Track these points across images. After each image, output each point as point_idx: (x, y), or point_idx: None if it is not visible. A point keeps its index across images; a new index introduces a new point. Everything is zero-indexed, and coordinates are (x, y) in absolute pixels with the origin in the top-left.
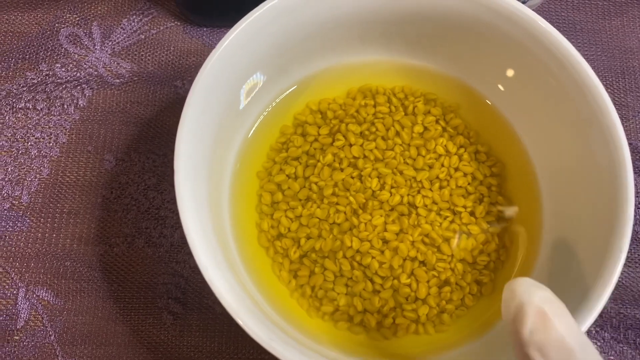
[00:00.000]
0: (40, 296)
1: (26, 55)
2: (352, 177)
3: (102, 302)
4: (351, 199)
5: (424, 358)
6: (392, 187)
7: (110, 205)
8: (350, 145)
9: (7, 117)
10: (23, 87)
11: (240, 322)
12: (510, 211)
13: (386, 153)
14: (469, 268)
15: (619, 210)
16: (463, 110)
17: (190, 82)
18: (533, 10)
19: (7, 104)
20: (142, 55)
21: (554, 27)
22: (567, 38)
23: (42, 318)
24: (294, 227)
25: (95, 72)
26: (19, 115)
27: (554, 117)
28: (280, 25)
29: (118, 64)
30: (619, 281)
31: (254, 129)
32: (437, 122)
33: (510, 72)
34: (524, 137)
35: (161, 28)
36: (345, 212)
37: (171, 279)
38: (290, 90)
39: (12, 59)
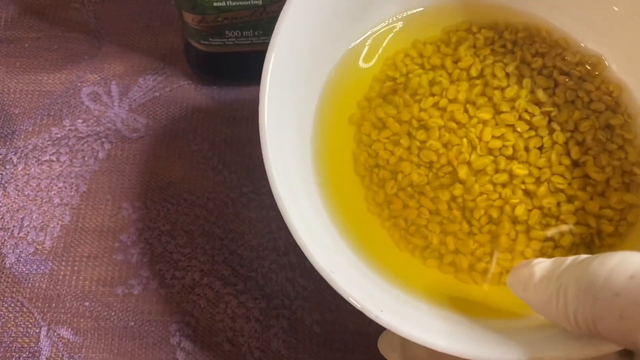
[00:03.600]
0: (61, 334)
1: (51, 112)
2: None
3: (119, 339)
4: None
5: (509, 313)
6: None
7: (127, 250)
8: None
9: (32, 169)
10: (48, 141)
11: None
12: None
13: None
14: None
15: None
16: None
17: (202, 135)
18: None
19: (33, 156)
20: (157, 111)
21: None
22: None
23: (63, 355)
24: (392, 160)
25: (114, 127)
26: (43, 167)
27: None
28: None
29: (135, 119)
30: None
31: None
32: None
33: None
34: None
35: (174, 86)
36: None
37: (183, 318)
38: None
39: (38, 115)
